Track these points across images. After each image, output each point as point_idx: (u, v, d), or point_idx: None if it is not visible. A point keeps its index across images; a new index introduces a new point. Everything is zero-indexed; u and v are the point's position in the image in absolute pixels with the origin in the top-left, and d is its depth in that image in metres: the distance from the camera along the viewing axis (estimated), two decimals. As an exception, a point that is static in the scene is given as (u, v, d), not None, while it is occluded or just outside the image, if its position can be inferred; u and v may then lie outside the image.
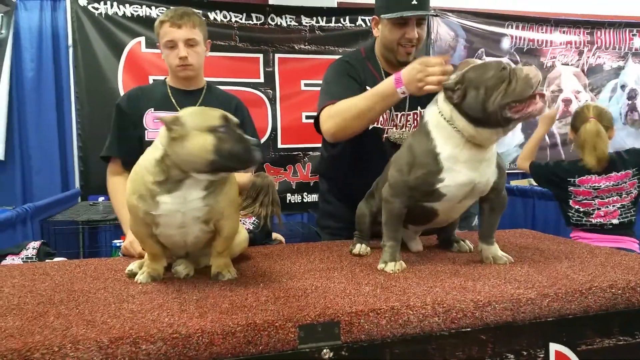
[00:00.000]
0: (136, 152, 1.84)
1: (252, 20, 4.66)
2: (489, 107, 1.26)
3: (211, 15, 4.55)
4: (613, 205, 2.75)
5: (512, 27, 5.56)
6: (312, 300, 1.09)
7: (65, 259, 2.27)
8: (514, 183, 5.21)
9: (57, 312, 1.05)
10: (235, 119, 1.21)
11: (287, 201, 4.78)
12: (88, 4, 4.28)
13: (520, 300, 1.10)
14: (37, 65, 4.29)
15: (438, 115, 1.35)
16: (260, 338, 0.95)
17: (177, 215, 1.20)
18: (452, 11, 5.38)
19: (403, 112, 1.88)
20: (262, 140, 4.64)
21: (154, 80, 4.12)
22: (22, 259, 2.23)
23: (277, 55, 4.72)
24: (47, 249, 2.35)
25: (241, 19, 4.64)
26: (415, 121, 1.89)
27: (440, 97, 1.37)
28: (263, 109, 4.67)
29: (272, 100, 4.70)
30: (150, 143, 1.78)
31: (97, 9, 4.30)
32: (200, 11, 4.46)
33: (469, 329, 1.07)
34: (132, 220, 1.26)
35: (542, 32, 5.68)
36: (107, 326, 0.95)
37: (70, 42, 4.26)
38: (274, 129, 4.67)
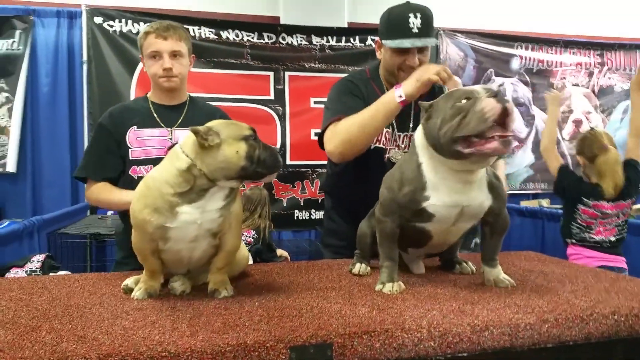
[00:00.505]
0: (118, 171, 1.85)
1: (264, 39, 4.72)
2: (440, 139, 1.24)
3: (224, 34, 4.62)
4: (611, 224, 2.86)
5: (521, 48, 5.56)
6: (305, 320, 1.07)
7: (69, 272, 2.28)
8: (524, 204, 5.16)
9: (50, 327, 1.05)
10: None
11: (295, 218, 4.78)
12: (103, 21, 4.37)
13: (519, 326, 1.08)
14: (52, 81, 4.38)
15: (419, 134, 1.35)
16: (251, 359, 0.94)
17: (193, 227, 1.21)
18: (461, 32, 5.40)
19: (406, 133, 1.88)
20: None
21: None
22: (27, 271, 2.24)
23: (287, 74, 4.77)
24: (51, 262, 2.36)
25: (253, 38, 4.70)
26: None
27: None
28: (273, 126, 4.70)
29: (282, 117, 4.73)
30: (135, 162, 1.82)
31: (112, 26, 4.38)
32: (213, 30, 4.54)
33: (465, 354, 1.04)
34: (138, 237, 1.26)
35: (552, 53, 5.67)
36: (97, 342, 0.95)
37: (84, 58, 4.34)
38: (283, 145, 4.70)
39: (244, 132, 1.23)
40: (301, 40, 4.81)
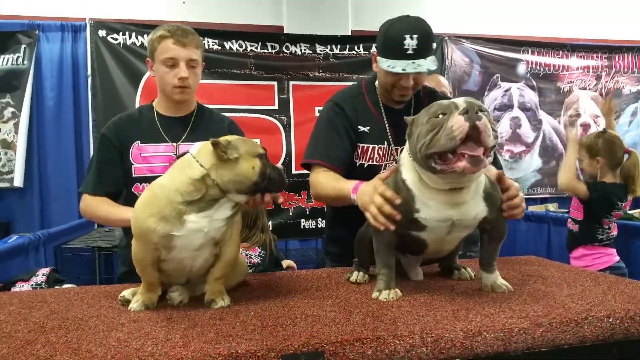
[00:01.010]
0: (120, 186, 1.80)
1: (267, 49, 4.75)
2: (417, 154, 1.25)
3: (227, 45, 4.65)
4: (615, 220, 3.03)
5: (527, 53, 5.55)
6: (299, 329, 1.07)
7: (74, 285, 2.30)
8: (531, 208, 5.13)
9: (46, 340, 1.06)
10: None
11: (302, 227, 4.78)
12: (107, 34, 4.42)
13: (513, 330, 1.07)
14: (57, 94, 4.43)
15: (405, 150, 1.36)
16: (242, 368, 0.95)
17: (199, 236, 1.22)
18: (467, 37, 5.40)
19: (403, 147, 1.86)
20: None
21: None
22: (32, 285, 2.26)
23: (291, 83, 4.79)
24: (56, 275, 2.39)
25: (256, 48, 4.73)
26: None
27: None
28: (277, 136, 4.72)
29: (287, 127, 4.75)
30: (138, 179, 1.77)
31: (115, 39, 4.43)
32: (217, 40, 4.58)
33: (458, 359, 1.04)
34: (140, 247, 1.26)
35: (559, 57, 5.65)
36: (90, 355, 0.95)
37: (89, 71, 4.39)
38: (288, 155, 4.71)
39: (259, 150, 1.28)
40: (305, 49, 4.83)
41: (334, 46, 4.85)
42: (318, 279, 1.60)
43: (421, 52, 1.66)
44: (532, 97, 5.60)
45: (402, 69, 1.66)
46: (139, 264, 1.28)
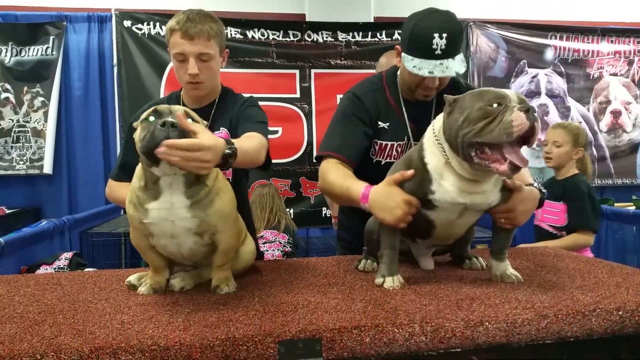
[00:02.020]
0: None
1: (289, 37, 4.74)
2: (458, 137, 1.21)
3: (249, 34, 4.66)
4: None
5: (555, 38, 5.40)
6: (298, 315, 1.08)
7: (95, 269, 2.36)
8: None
9: (54, 321, 1.09)
10: (175, 110, 1.18)
11: (323, 215, 4.79)
12: (132, 25, 4.48)
13: (516, 321, 1.05)
14: (84, 84, 4.53)
15: (430, 129, 1.34)
16: (239, 353, 0.96)
17: (167, 224, 1.21)
18: (492, 22, 5.28)
19: (416, 142, 1.81)
20: (298, 154, 4.70)
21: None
22: (55, 269, 2.33)
23: (313, 71, 4.78)
24: (79, 259, 2.45)
25: (278, 36, 4.72)
26: None
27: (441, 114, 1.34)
28: (299, 124, 4.72)
29: (308, 115, 4.75)
30: None
31: (140, 29, 4.49)
32: (239, 29, 4.59)
33: (459, 350, 1.03)
34: (132, 232, 1.30)
35: (588, 42, 5.48)
36: (92, 336, 0.98)
37: (115, 61, 4.46)
38: (310, 143, 4.71)
39: (143, 115, 1.20)
40: (327, 37, 4.80)
41: (356, 33, 4.81)
42: (327, 266, 1.61)
43: (450, 52, 1.56)
44: (560, 84, 5.46)
45: (429, 72, 1.56)
46: (138, 249, 1.31)
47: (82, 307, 1.19)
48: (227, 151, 1.22)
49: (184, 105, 1.80)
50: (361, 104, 1.76)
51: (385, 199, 1.34)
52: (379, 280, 1.33)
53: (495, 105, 1.17)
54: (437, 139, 1.30)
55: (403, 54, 1.65)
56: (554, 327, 1.07)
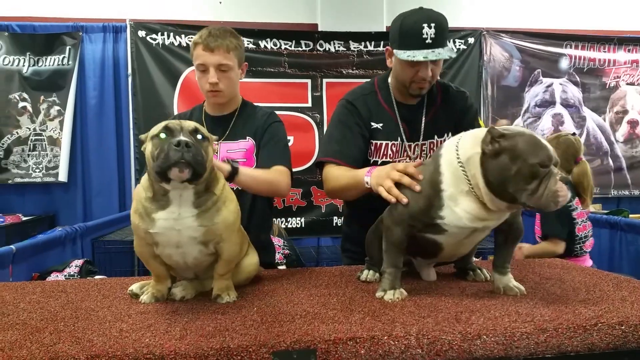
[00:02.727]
0: None
1: (301, 47, 4.77)
2: (507, 187, 1.18)
3: (262, 44, 4.70)
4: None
5: (570, 47, 5.36)
6: (295, 326, 1.08)
7: (105, 277, 2.38)
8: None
9: (55, 328, 1.10)
10: (185, 127, 1.21)
11: (334, 224, 4.78)
12: (146, 35, 4.54)
13: (514, 334, 1.04)
14: (99, 93, 4.60)
15: (454, 153, 1.26)
16: (233, 362, 0.96)
17: (173, 234, 1.23)
18: (506, 31, 5.26)
19: (417, 142, 1.83)
20: (309, 164, 4.70)
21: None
22: (65, 276, 2.35)
23: (325, 80, 4.80)
24: (89, 267, 2.48)
25: (290, 46, 4.75)
26: (431, 150, 1.83)
27: (466, 136, 1.29)
28: (310, 133, 4.74)
29: (320, 125, 4.76)
30: None
31: (154, 39, 4.55)
32: (252, 39, 4.63)
33: (455, 363, 1.02)
34: (136, 241, 1.31)
35: (604, 52, 5.43)
36: (90, 344, 0.99)
37: (129, 71, 4.53)
38: (321, 152, 4.71)
39: (154, 131, 1.22)
40: (339, 47, 4.82)
41: (367, 43, 4.82)
42: (330, 276, 1.60)
43: (439, 41, 1.65)
44: (575, 93, 5.41)
45: (424, 57, 1.64)
46: (141, 257, 1.32)
47: (84, 315, 1.21)
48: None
49: (206, 114, 1.91)
50: (354, 108, 1.83)
51: (385, 168, 1.45)
52: (379, 294, 1.32)
53: (542, 167, 1.16)
54: (461, 166, 1.24)
55: (395, 51, 1.72)
56: (554, 341, 1.05)
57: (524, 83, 5.37)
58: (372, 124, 1.81)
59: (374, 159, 1.84)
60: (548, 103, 5.38)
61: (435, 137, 1.83)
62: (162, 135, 1.19)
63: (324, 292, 1.38)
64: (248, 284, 1.50)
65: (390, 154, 1.83)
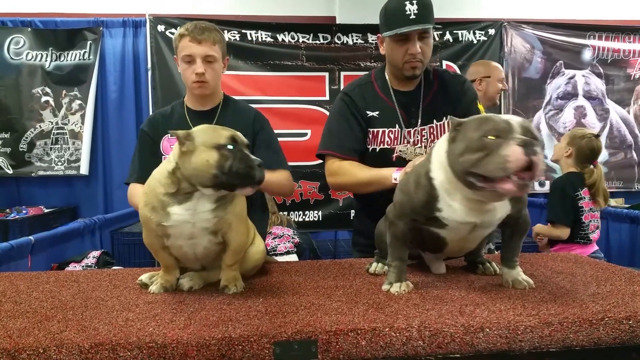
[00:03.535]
0: None
1: (319, 40, 4.76)
2: (456, 165, 1.18)
3: (279, 37, 4.71)
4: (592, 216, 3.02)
5: (594, 38, 5.24)
6: (298, 317, 1.08)
7: (123, 267, 2.42)
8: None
9: (63, 316, 1.13)
10: (244, 140, 1.28)
11: (351, 218, 4.77)
12: (166, 29, 4.58)
13: (518, 328, 1.03)
14: (120, 88, 4.66)
15: (443, 145, 1.26)
16: (235, 352, 0.97)
17: (187, 226, 1.25)
18: (527, 22, 5.17)
19: (416, 128, 1.84)
20: (326, 158, 4.70)
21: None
22: (83, 266, 2.40)
23: (342, 73, 4.78)
24: (106, 258, 2.52)
25: (308, 39, 4.75)
26: (431, 135, 1.84)
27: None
28: (328, 127, 4.72)
29: (338, 118, 4.73)
30: None
31: (173, 34, 4.58)
32: (270, 33, 4.64)
33: (457, 355, 1.01)
34: (146, 232, 1.33)
35: (629, 42, 5.30)
36: (95, 332, 1.01)
37: (149, 65, 4.58)
38: (338, 146, 4.70)
39: (220, 140, 1.22)
40: (357, 39, 4.80)
41: (386, 35, 4.78)
42: (339, 268, 1.61)
43: (424, 16, 1.71)
44: (598, 85, 5.29)
45: (408, 29, 1.71)
46: (150, 249, 1.34)
47: (93, 304, 1.23)
48: None
49: (188, 109, 1.95)
50: (350, 100, 1.89)
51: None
52: (385, 287, 1.32)
53: (493, 137, 1.12)
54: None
55: (383, 34, 1.79)
56: (558, 335, 1.04)
57: (545, 75, 5.28)
58: (368, 112, 1.86)
59: (372, 146, 1.88)
60: (570, 95, 5.28)
61: (434, 121, 1.85)
62: (230, 146, 1.22)
63: (331, 284, 1.39)
64: (256, 275, 1.51)
65: (388, 141, 1.86)
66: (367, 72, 2.01)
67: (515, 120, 1.14)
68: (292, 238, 3.53)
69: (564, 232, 2.84)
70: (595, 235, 2.88)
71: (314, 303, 1.20)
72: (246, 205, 1.38)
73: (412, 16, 1.70)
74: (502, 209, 1.28)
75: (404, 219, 1.32)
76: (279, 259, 3.18)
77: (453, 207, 1.25)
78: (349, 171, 1.83)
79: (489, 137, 1.12)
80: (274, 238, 3.51)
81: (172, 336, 0.98)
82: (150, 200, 1.27)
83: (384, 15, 1.79)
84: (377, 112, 1.86)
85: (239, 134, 1.28)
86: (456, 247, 1.39)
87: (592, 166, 2.89)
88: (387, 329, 1.01)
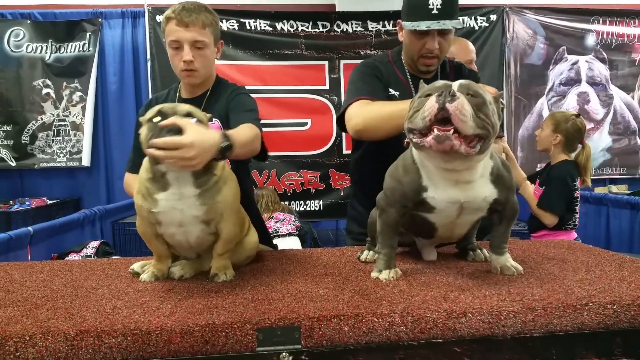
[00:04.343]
0: None
1: (318, 28, 4.74)
2: (404, 128, 1.23)
3: (279, 26, 4.69)
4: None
5: (598, 23, 5.19)
6: (283, 304, 1.09)
7: (120, 257, 2.44)
8: (597, 190, 4.84)
9: (53, 305, 1.14)
10: (178, 110, 1.23)
11: (353, 207, 4.78)
12: (164, 20, 4.56)
13: (501, 313, 1.04)
14: (119, 79, 4.67)
15: None
16: (218, 339, 0.98)
17: (176, 213, 1.25)
18: (530, 8, 5.13)
19: None
20: (327, 146, 4.70)
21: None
22: (82, 256, 2.42)
23: (342, 62, 4.77)
24: (106, 248, 2.54)
25: (307, 28, 4.73)
26: None
27: None
28: (328, 116, 4.72)
29: (337, 107, 4.74)
30: None
31: (172, 24, 4.57)
32: (269, 22, 4.62)
33: (440, 340, 1.02)
34: (139, 221, 1.34)
35: (634, 26, 5.26)
36: (82, 320, 1.02)
37: (148, 56, 4.58)
38: (339, 135, 4.71)
39: (149, 114, 1.23)
40: (356, 27, 4.78)
41: (386, 22, 4.77)
42: (331, 256, 1.61)
43: (446, 12, 1.67)
44: (602, 71, 5.25)
45: (427, 26, 1.67)
46: (143, 237, 1.35)
47: (84, 293, 1.24)
48: (223, 144, 1.25)
49: (179, 96, 1.87)
50: (376, 68, 1.85)
51: None
52: (374, 274, 1.32)
53: (424, 97, 1.18)
54: None
55: (403, 23, 1.74)
56: (542, 320, 1.04)
57: (548, 61, 5.24)
58: (390, 90, 1.82)
59: None
60: (573, 81, 5.24)
61: None
62: (157, 119, 1.21)
63: (321, 272, 1.39)
64: (249, 263, 1.52)
65: None
66: (381, 53, 1.98)
67: (457, 82, 1.19)
68: (294, 221, 3.61)
69: (552, 221, 2.83)
70: (578, 222, 2.90)
71: (301, 290, 1.20)
72: (239, 196, 1.39)
73: (435, 11, 1.65)
74: (482, 188, 1.27)
75: (395, 206, 1.32)
76: (281, 240, 3.25)
77: (436, 183, 1.26)
78: (368, 108, 1.69)
79: (424, 96, 1.19)
80: (276, 222, 3.61)
81: (156, 323, 0.99)
82: (140, 187, 1.28)
83: (407, 3, 1.74)
84: (397, 93, 1.83)
85: (172, 105, 1.25)
86: (447, 232, 1.39)
87: (580, 146, 2.87)
88: (369, 315, 1.02)
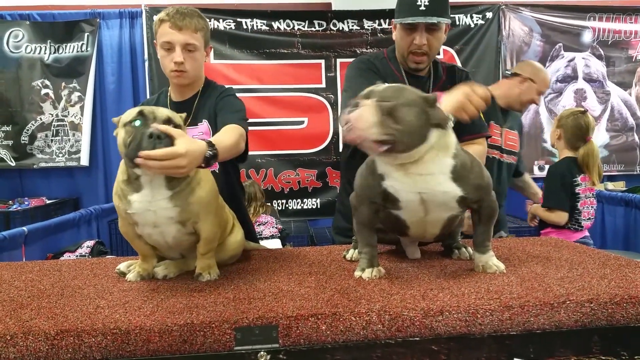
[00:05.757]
0: None
1: (315, 27, 4.75)
2: None
3: (275, 25, 4.69)
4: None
5: (594, 19, 5.18)
6: (263, 303, 1.11)
7: (115, 256, 2.47)
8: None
9: (37, 305, 1.16)
10: (159, 115, 1.23)
11: (350, 205, 4.79)
12: (161, 19, 4.58)
13: (478, 311, 1.05)
14: (117, 79, 4.69)
15: None
16: (196, 338, 0.99)
17: (149, 214, 1.26)
18: (526, 5, 5.12)
19: None
20: (324, 145, 4.71)
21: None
22: (77, 256, 2.44)
23: (338, 60, 4.78)
24: (100, 247, 2.56)
25: (303, 27, 4.74)
26: None
27: None
28: (324, 114, 4.73)
29: (334, 105, 4.75)
30: None
31: (169, 24, 4.58)
32: (265, 21, 4.63)
33: (417, 338, 1.03)
34: (120, 221, 1.36)
35: (631, 23, 5.24)
36: (64, 319, 1.04)
37: (146, 56, 4.59)
38: (336, 133, 4.72)
39: (127, 117, 1.24)
40: (352, 26, 4.79)
41: (382, 21, 4.77)
42: (317, 255, 1.62)
43: (434, 9, 1.74)
44: (599, 67, 5.24)
45: (412, 20, 1.75)
46: (126, 237, 1.37)
47: (69, 292, 1.26)
48: (209, 153, 1.27)
49: (170, 100, 1.88)
50: (371, 63, 1.92)
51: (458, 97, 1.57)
52: (357, 274, 1.33)
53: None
54: None
55: (394, 20, 1.83)
56: (519, 319, 1.05)
57: (544, 58, 5.23)
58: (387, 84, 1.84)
59: None
60: (570, 78, 5.24)
61: None
62: (136, 123, 1.22)
63: (305, 271, 1.41)
64: (234, 262, 1.53)
65: None
66: (376, 51, 2.05)
67: (381, 87, 1.23)
68: (276, 224, 3.67)
69: (561, 217, 2.81)
70: (588, 223, 2.85)
71: (283, 289, 1.22)
72: (218, 196, 1.40)
73: (422, 7, 1.73)
74: (442, 184, 1.25)
75: (365, 203, 1.34)
76: (264, 242, 3.27)
77: (390, 174, 1.27)
78: None
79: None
80: (259, 225, 3.67)
81: (136, 323, 1.00)
82: (116, 189, 1.30)
83: (399, 1, 1.84)
84: None
85: (151, 108, 1.25)
86: (419, 230, 1.38)
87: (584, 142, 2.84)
88: (347, 314, 1.03)
